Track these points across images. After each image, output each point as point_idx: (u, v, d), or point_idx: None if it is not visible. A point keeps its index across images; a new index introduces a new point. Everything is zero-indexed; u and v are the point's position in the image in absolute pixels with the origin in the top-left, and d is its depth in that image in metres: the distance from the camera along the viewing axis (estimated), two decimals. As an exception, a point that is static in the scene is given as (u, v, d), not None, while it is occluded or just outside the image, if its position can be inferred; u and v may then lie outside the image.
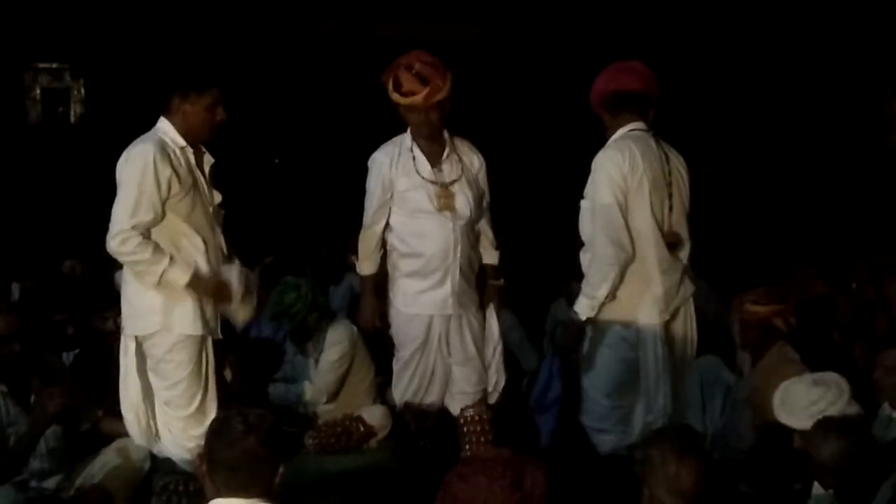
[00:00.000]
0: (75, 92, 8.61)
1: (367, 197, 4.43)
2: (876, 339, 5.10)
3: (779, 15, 7.49)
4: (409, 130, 4.41)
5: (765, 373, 4.53)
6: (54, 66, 8.59)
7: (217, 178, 4.14)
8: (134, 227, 3.80)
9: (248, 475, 2.54)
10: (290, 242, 7.46)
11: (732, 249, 6.84)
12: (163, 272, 3.81)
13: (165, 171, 3.82)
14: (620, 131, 4.14)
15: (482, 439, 4.40)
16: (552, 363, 4.45)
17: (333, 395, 5.30)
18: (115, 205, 3.85)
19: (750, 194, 7.63)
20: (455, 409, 4.49)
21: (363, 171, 4.57)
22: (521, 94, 8.33)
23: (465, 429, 4.44)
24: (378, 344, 5.35)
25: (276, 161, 8.94)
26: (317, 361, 5.31)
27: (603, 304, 4.08)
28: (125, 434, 4.10)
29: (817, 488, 3.41)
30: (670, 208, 4.11)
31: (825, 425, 3.39)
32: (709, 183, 7.48)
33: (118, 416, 4.10)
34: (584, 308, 4.10)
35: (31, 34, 8.02)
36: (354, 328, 5.29)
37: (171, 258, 3.84)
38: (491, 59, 7.68)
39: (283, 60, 8.32)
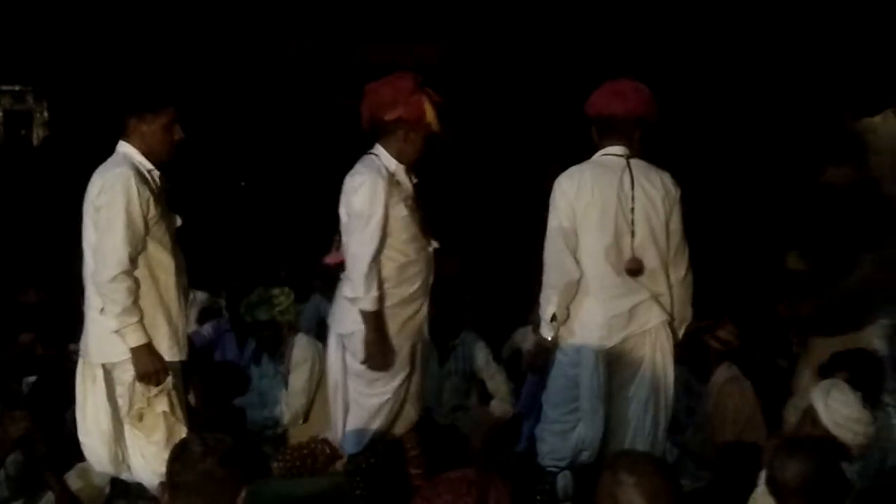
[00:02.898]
0: (38, 115, 8.56)
1: (361, 222, 4.18)
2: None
3: (752, 36, 7.58)
4: (386, 154, 4.27)
5: (714, 395, 4.60)
6: (17, 88, 8.54)
7: (183, 201, 4.13)
8: (130, 261, 3.79)
9: (209, 497, 2.54)
10: (257, 265, 7.43)
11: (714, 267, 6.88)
12: (126, 326, 3.81)
13: (145, 194, 3.83)
14: (596, 154, 4.18)
15: (422, 460, 4.43)
16: (528, 382, 4.52)
17: (307, 415, 5.29)
18: (104, 234, 3.81)
19: (725, 215, 7.68)
20: (397, 433, 4.45)
21: (329, 193, 4.54)
22: (484, 115, 8.36)
23: (411, 453, 4.45)
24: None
25: (243, 184, 8.92)
26: (284, 378, 5.29)
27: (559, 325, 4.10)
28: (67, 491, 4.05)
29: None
30: (631, 234, 4.07)
31: (789, 445, 3.41)
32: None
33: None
34: (543, 330, 4.16)
35: (-7, 56, 7.97)
36: (319, 344, 5.29)
37: (141, 317, 3.82)
38: (453, 80, 7.71)
39: (250, 81, 8.31)
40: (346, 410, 4.33)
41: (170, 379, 3.91)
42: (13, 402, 4.31)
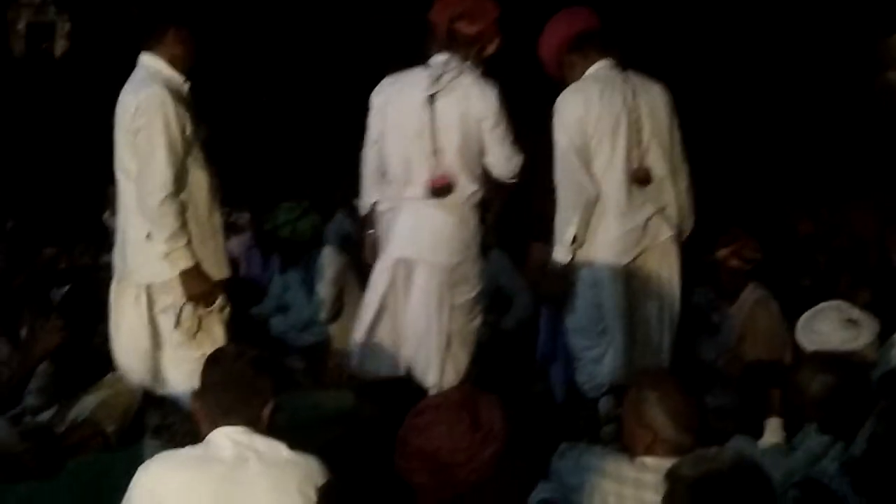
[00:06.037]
0: (60, 27, 8.50)
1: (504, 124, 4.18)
2: (867, 273, 5.21)
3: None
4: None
5: (741, 317, 4.62)
6: (38, 0, 8.47)
7: (204, 116, 4.07)
8: (175, 185, 3.71)
9: (238, 397, 2.61)
10: (281, 180, 7.43)
11: (724, 192, 6.85)
12: (175, 249, 3.73)
13: (182, 112, 3.74)
14: (589, 71, 4.10)
15: None
16: (544, 317, 4.44)
17: (333, 317, 5.44)
18: (146, 159, 3.70)
19: (743, 134, 7.61)
20: None
21: (353, 109, 4.48)
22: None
23: None
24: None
25: (264, 99, 8.86)
26: (308, 289, 5.47)
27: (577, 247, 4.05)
28: None
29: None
30: (639, 143, 4.05)
31: (817, 359, 3.42)
32: (700, 124, 7.46)
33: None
34: (558, 254, 4.08)
35: (14, -33, 7.90)
36: (343, 256, 5.52)
37: (189, 240, 3.76)
38: None
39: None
40: (448, 346, 4.14)
41: (221, 298, 3.89)
42: (45, 313, 4.36)
